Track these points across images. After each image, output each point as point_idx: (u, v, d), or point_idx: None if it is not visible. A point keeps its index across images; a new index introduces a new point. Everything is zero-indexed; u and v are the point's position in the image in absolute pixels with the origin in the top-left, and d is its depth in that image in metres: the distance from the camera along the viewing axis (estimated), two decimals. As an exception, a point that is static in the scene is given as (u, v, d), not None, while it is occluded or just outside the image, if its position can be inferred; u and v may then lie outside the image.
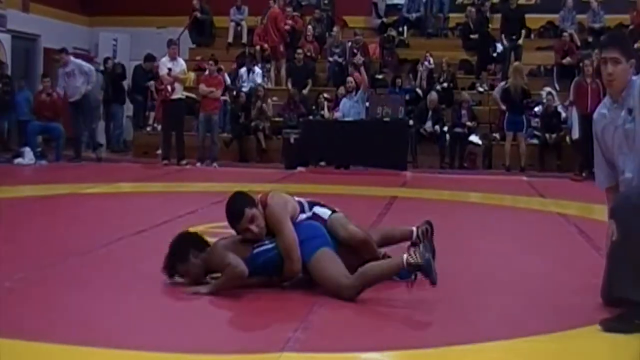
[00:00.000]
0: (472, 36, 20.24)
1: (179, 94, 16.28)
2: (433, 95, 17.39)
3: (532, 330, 4.56)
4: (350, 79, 17.21)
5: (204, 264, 5.42)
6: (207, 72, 17.03)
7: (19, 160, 15.62)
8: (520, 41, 19.24)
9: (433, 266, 4.89)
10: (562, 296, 5.47)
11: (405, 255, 5.00)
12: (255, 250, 5.37)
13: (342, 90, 17.60)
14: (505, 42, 19.18)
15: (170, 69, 16.05)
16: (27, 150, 15.81)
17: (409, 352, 4.23)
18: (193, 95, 17.01)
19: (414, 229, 6.06)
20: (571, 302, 5.26)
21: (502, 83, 17.41)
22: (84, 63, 17.17)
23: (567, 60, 18.67)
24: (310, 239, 5.37)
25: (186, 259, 5.41)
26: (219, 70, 18.86)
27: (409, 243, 6.03)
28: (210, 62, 17.16)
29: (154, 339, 4.29)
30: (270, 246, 5.39)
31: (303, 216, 5.62)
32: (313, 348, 4.17)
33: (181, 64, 16.48)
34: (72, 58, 17.08)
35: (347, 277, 5.15)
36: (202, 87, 16.50)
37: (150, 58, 19.05)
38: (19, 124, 17.80)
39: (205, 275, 5.48)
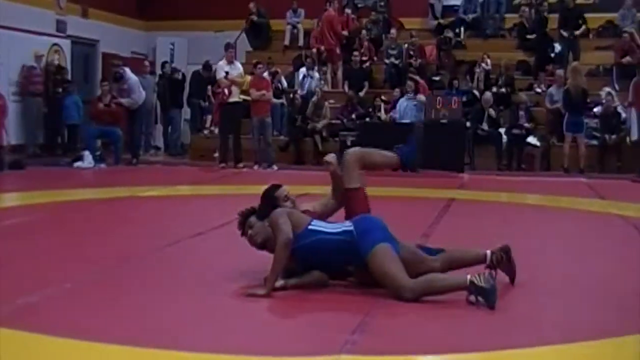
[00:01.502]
0: (529, 36, 20.06)
1: (236, 97, 16.34)
2: (487, 95, 17.26)
3: (587, 335, 4.51)
4: (410, 83, 17.11)
5: (267, 230, 5.52)
6: (254, 75, 17.00)
7: (78, 163, 15.83)
8: (578, 32, 19.02)
9: (496, 291, 4.97)
10: (620, 300, 5.39)
11: (468, 276, 5.06)
12: (311, 226, 5.44)
13: (397, 92, 17.62)
14: (564, 34, 18.97)
15: (227, 73, 16.14)
16: (87, 153, 16.02)
17: (465, 355, 4.21)
18: (248, 98, 17.06)
19: (488, 253, 5.66)
20: (629, 306, 5.18)
21: (551, 88, 17.30)
22: (136, 87, 17.15)
23: (626, 59, 18.40)
24: (370, 231, 5.35)
25: (262, 216, 5.64)
26: (275, 73, 18.95)
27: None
28: (260, 65, 17.13)
29: (211, 340, 4.30)
30: (329, 230, 5.42)
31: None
32: (370, 351, 4.16)
33: (238, 67, 16.55)
34: (128, 72, 17.18)
35: (408, 279, 5.15)
36: (253, 92, 16.50)
37: (208, 67, 19.19)
38: (68, 128, 18.02)
39: (265, 246, 5.58)
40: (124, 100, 16.67)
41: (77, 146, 17.87)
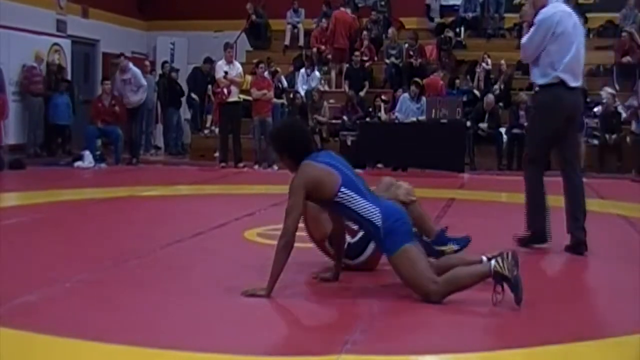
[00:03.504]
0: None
1: (236, 97, 16.36)
2: (490, 97, 17.26)
3: (587, 335, 4.51)
4: (414, 88, 17.06)
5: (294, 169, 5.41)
6: (256, 75, 17.02)
7: (78, 163, 15.84)
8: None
9: (520, 284, 4.92)
10: (619, 299, 5.40)
11: (492, 262, 5.00)
12: (338, 197, 5.23)
13: (399, 92, 17.64)
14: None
15: (226, 72, 16.15)
16: (87, 153, 16.03)
17: (465, 355, 4.20)
18: (250, 98, 17.09)
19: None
20: (628, 306, 5.17)
21: None
22: (141, 75, 17.25)
23: (626, 59, 18.39)
24: (397, 231, 5.16)
25: (281, 150, 5.48)
26: (275, 72, 18.95)
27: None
28: (261, 65, 17.16)
29: (211, 340, 4.30)
30: (357, 208, 5.21)
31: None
32: (371, 350, 4.15)
33: (237, 67, 16.57)
34: (131, 65, 17.23)
35: (435, 282, 5.06)
36: (255, 92, 16.53)
37: (208, 61, 19.20)
38: (57, 129, 17.96)
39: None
40: (133, 99, 16.72)
41: (68, 148, 17.90)
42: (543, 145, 7.44)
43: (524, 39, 7.21)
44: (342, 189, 5.22)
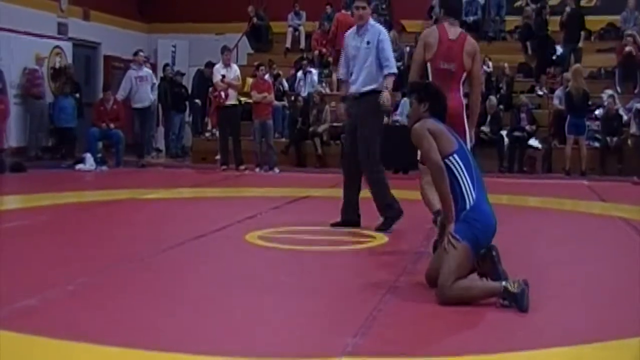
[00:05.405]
0: (530, 39, 20.03)
1: (234, 99, 16.32)
2: (492, 100, 17.24)
3: (588, 337, 4.50)
4: None
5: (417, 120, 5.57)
6: (256, 77, 17.00)
7: (80, 166, 15.84)
8: (580, 44, 19.03)
9: (527, 294, 4.98)
10: (620, 302, 5.40)
11: (504, 283, 5.07)
12: (448, 160, 5.36)
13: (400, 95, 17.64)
14: (563, 44, 19.02)
15: (223, 76, 16.13)
16: (88, 156, 16.03)
17: (467, 357, 4.18)
18: (250, 100, 17.08)
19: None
20: (629, 309, 5.17)
21: (558, 90, 17.28)
22: (152, 74, 17.44)
23: (628, 48, 18.25)
24: (475, 229, 5.26)
25: (427, 99, 5.69)
26: (278, 76, 18.94)
27: None
28: (261, 67, 17.14)
29: (212, 342, 4.30)
30: (459, 179, 5.36)
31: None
32: (372, 353, 4.15)
33: (235, 70, 16.52)
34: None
35: (452, 289, 5.10)
36: (255, 94, 16.52)
37: (210, 65, 19.21)
38: (62, 131, 17.94)
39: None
40: (149, 96, 16.81)
41: (71, 151, 17.93)
42: (380, 143, 8.67)
43: (393, 64, 8.97)
44: (455, 156, 5.39)
